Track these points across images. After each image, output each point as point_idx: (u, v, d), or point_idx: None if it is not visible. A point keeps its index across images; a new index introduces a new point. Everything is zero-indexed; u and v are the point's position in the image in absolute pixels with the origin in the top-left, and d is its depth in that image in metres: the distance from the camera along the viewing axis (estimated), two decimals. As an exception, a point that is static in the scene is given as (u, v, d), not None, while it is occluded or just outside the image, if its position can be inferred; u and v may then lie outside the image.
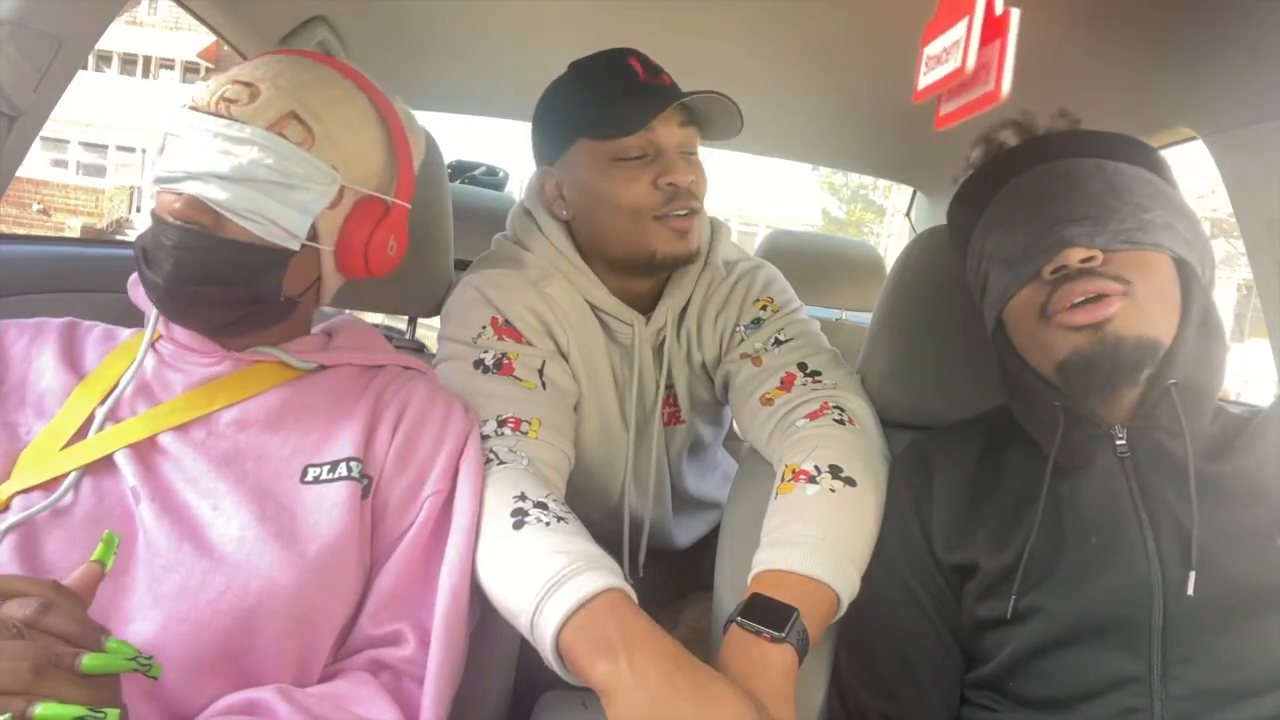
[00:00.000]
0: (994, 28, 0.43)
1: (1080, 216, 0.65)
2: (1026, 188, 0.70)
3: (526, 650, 0.83)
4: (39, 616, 0.43)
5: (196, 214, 0.61)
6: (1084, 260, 0.63)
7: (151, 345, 0.68)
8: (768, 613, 0.64)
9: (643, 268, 0.91)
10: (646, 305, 0.96)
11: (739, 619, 0.65)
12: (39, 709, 0.40)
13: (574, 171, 0.90)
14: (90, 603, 0.47)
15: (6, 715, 0.39)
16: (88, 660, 0.43)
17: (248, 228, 0.62)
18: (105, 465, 0.62)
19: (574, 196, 0.91)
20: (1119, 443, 0.67)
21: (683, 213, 0.87)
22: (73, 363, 0.68)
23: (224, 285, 0.63)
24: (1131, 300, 0.62)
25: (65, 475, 0.61)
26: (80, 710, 0.41)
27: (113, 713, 0.41)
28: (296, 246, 0.65)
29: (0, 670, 0.40)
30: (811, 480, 0.74)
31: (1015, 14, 0.42)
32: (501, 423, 0.78)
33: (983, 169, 0.76)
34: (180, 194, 0.61)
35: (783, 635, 0.62)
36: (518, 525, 0.66)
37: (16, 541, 0.57)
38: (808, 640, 0.64)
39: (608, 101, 0.87)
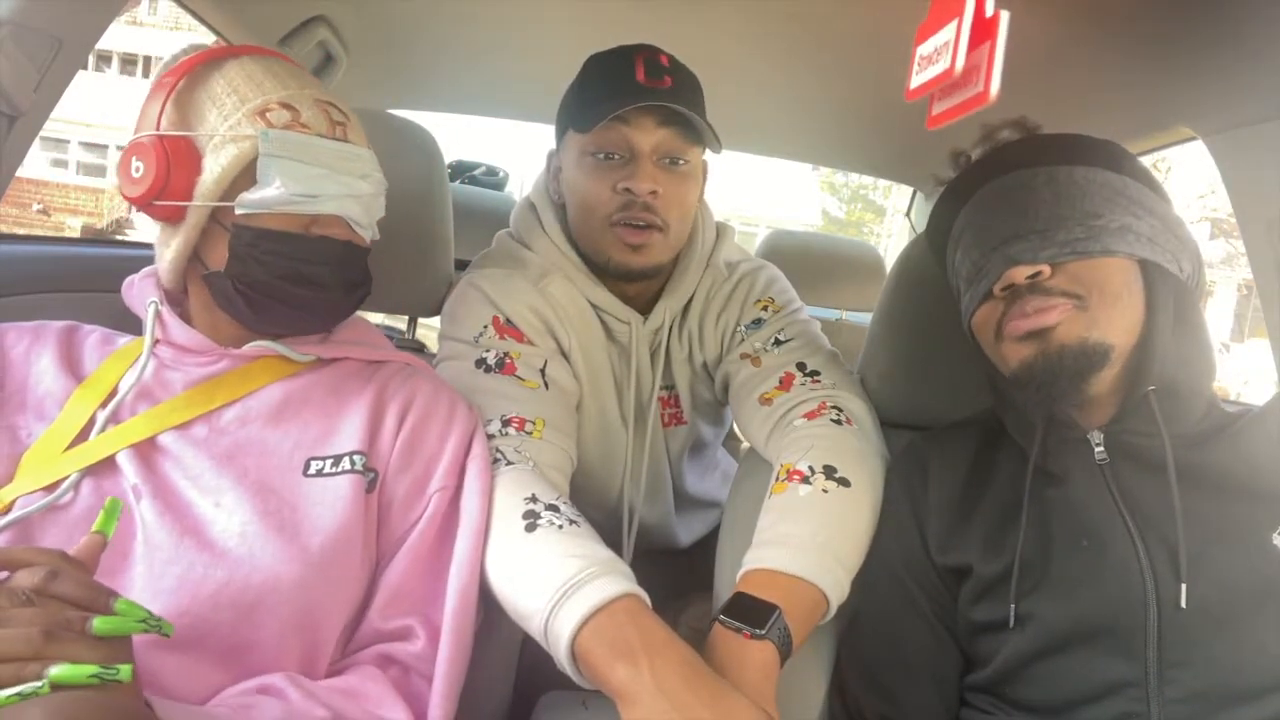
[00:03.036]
0: (984, 30, 0.42)
1: (1027, 232, 0.65)
2: (981, 204, 0.71)
3: (527, 650, 0.83)
4: (47, 583, 0.44)
5: (342, 231, 0.67)
6: (1030, 276, 0.64)
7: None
8: (749, 611, 0.65)
9: (608, 271, 0.90)
10: (645, 305, 0.96)
11: (721, 616, 0.65)
12: (54, 670, 0.40)
13: (564, 160, 0.91)
14: (94, 572, 0.48)
15: (42, 684, 0.40)
16: (98, 623, 0.44)
17: (366, 236, 0.70)
18: (106, 465, 0.62)
19: (564, 185, 0.92)
20: (1097, 449, 0.67)
21: (638, 224, 0.85)
22: (71, 368, 0.68)
23: (359, 287, 0.71)
24: (1080, 311, 0.63)
25: (67, 477, 0.61)
26: (94, 669, 0.41)
27: (125, 669, 0.42)
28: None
29: (11, 636, 0.41)
30: (805, 480, 0.74)
31: (1005, 16, 0.42)
32: (506, 422, 0.78)
33: (949, 185, 0.76)
34: (317, 215, 0.65)
35: (762, 633, 0.63)
36: (530, 528, 0.67)
37: (13, 539, 0.58)
38: (790, 638, 0.64)
39: (589, 94, 0.87)
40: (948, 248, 0.76)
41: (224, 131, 0.64)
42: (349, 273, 0.68)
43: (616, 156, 0.85)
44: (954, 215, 0.74)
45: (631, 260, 0.87)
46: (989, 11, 0.42)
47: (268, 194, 0.63)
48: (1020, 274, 0.64)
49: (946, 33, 0.44)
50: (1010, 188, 0.69)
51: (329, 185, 0.65)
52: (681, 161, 0.87)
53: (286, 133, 0.64)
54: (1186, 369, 0.65)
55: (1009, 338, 0.66)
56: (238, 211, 0.63)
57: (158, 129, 0.64)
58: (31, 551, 0.46)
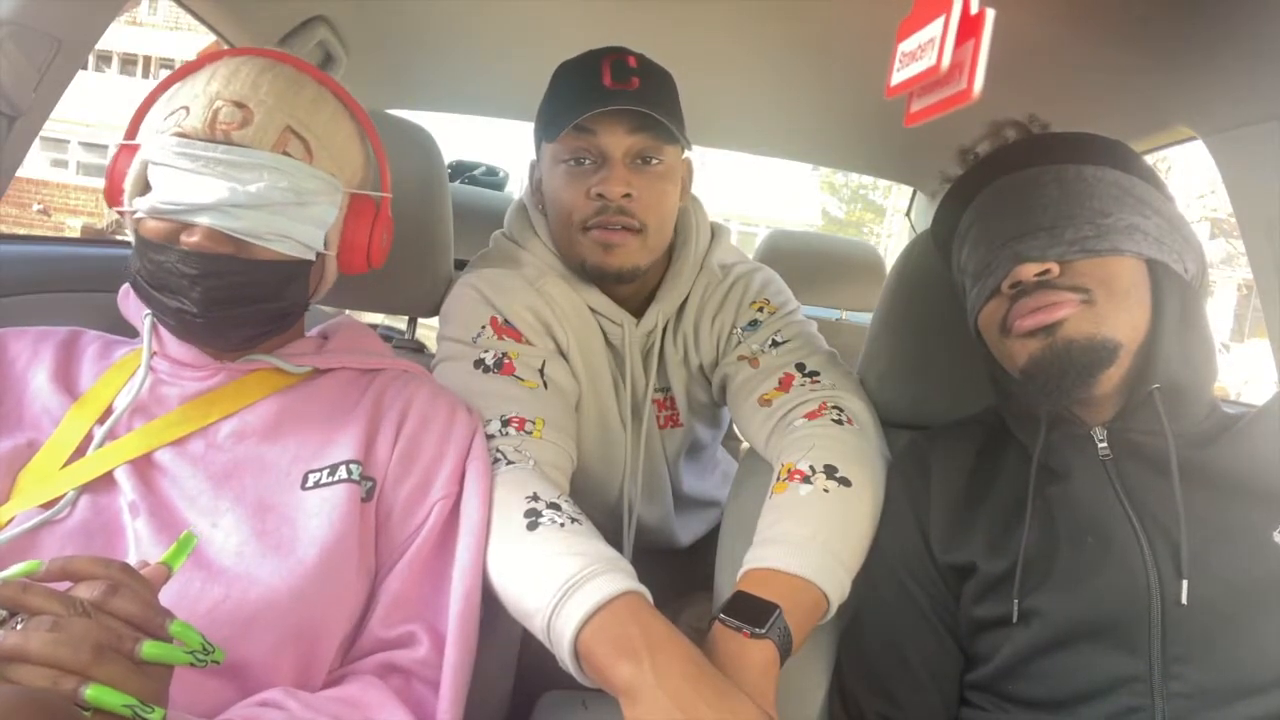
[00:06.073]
0: (968, 27, 0.42)
1: (1035, 229, 0.66)
2: (989, 201, 0.71)
3: (527, 650, 0.83)
4: (106, 598, 0.44)
5: (217, 245, 0.61)
6: (1039, 274, 0.64)
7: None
8: (750, 609, 0.65)
9: (586, 275, 0.90)
10: (639, 307, 0.95)
11: (721, 615, 0.65)
12: (90, 691, 0.40)
13: (542, 169, 0.92)
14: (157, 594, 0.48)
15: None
16: (147, 648, 0.44)
17: (271, 247, 0.63)
18: (104, 481, 0.62)
19: (544, 193, 0.92)
20: (1100, 445, 0.67)
21: (613, 226, 0.85)
22: (68, 385, 0.67)
23: (256, 304, 0.64)
24: (1088, 306, 0.63)
25: (64, 494, 0.60)
26: (129, 700, 0.41)
27: (158, 712, 0.42)
28: (313, 257, 0.67)
29: (60, 641, 0.41)
30: (806, 480, 0.74)
31: (990, 14, 0.41)
32: (506, 422, 0.78)
33: (956, 182, 0.76)
34: (191, 224, 0.60)
35: (762, 631, 0.63)
36: (531, 526, 0.67)
37: (5, 555, 0.57)
38: (791, 637, 0.64)
39: (556, 103, 0.87)
40: (953, 244, 0.76)
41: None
42: (224, 289, 0.62)
43: (587, 161, 0.85)
44: (960, 211, 0.74)
45: (605, 261, 0.87)
46: (974, 8, 0.42)
47: (145, 200, 0.62)
48: (1028, 271, 0.64)
49: (931, 29, 0.43)
50: (1018, 185, 0.69)
51: (200, 193, 0.60)
52: (655, 161, 0.86)
53: (162, 137, 0.61)
54: (1190, 369, 0.65)
55: (1016, 334, 0.66)
56: (136, 216, 0.63)
57: (131, 136, 0.65)
58: (96, 563, 0.46)
